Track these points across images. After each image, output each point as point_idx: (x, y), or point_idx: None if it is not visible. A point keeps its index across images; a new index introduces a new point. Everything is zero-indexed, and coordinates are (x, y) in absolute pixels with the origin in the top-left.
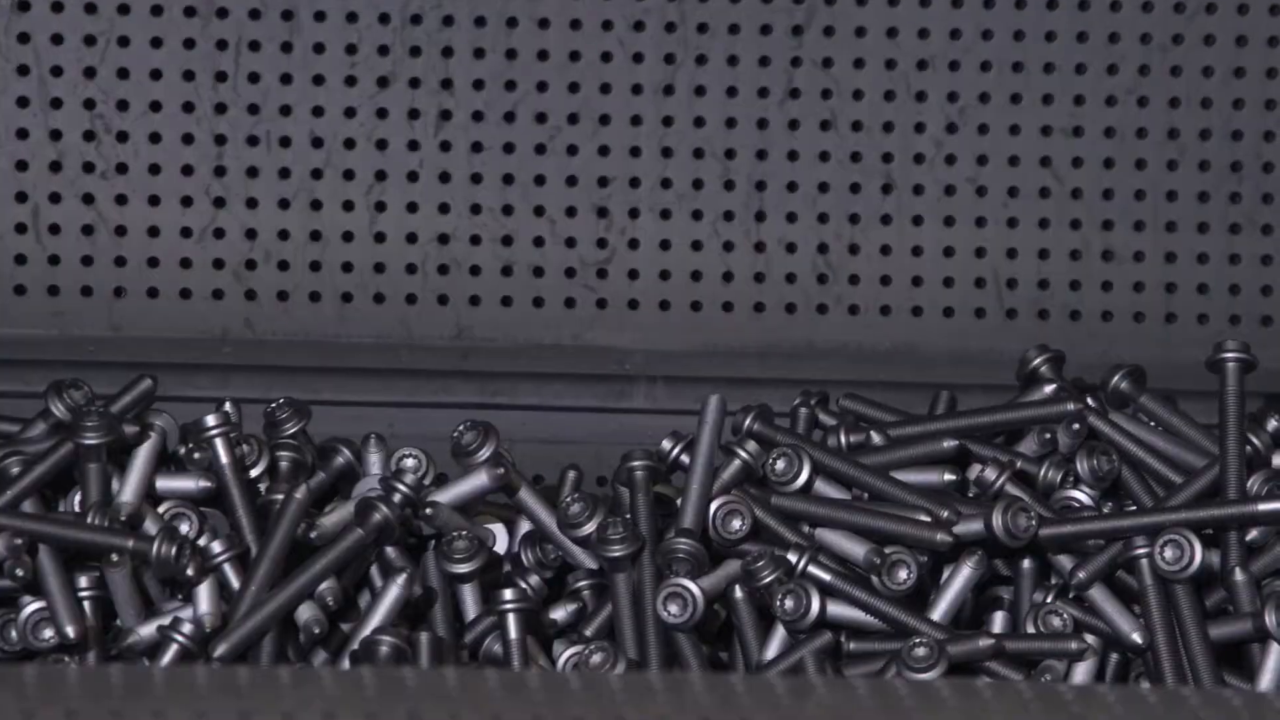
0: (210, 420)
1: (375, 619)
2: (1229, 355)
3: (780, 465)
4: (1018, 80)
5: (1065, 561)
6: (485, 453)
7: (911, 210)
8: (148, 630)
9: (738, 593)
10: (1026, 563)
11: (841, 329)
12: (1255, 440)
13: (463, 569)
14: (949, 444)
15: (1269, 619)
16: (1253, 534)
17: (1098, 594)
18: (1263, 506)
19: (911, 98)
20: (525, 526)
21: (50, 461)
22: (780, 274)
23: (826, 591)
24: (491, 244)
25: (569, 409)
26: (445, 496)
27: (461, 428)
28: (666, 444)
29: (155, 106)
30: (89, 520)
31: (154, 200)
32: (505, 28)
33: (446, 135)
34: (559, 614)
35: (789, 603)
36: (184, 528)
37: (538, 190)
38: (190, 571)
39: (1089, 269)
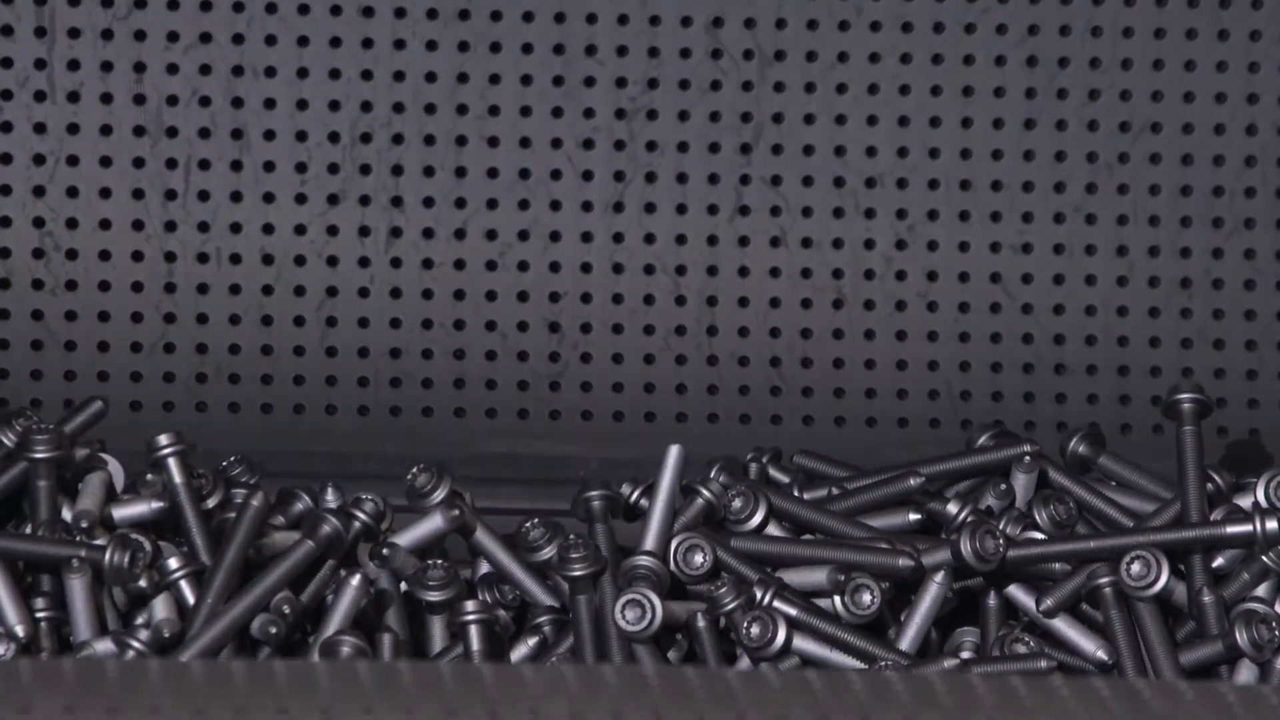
0: (163, 440)
1: (335, 621)
2: (1183, 397)
3: (737, 504)
4: (966, 198)
5: (1028, 601)
6: (440, 494)
7: (863, 325)
8: (103, 644)
9: (700, 621)
10: (991, 600)
11: (796, 439)
12: (1216, 478)
13: (436, 597)
14: (915, 480)
15: (1239, 636)
16: (1219, 561)
17: (1061, 622)
18: (1230, 529)
19: (860, 214)
20: (484, 568)
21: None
22: (734, 386)
23: (792, 624)
24: (444, 358)
25: (522, 511)
26: (403, 540)
27: (415, 470)
28: (626, 488)
29: (105, 224)
30: (40, 534)
31: (104, 316)
32: (455, 145)
33: (397, 252)
34: (520, 650)
35: (754, 629)
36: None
37: (489, 305)
38: (143, 583)
39: (1042, 381)
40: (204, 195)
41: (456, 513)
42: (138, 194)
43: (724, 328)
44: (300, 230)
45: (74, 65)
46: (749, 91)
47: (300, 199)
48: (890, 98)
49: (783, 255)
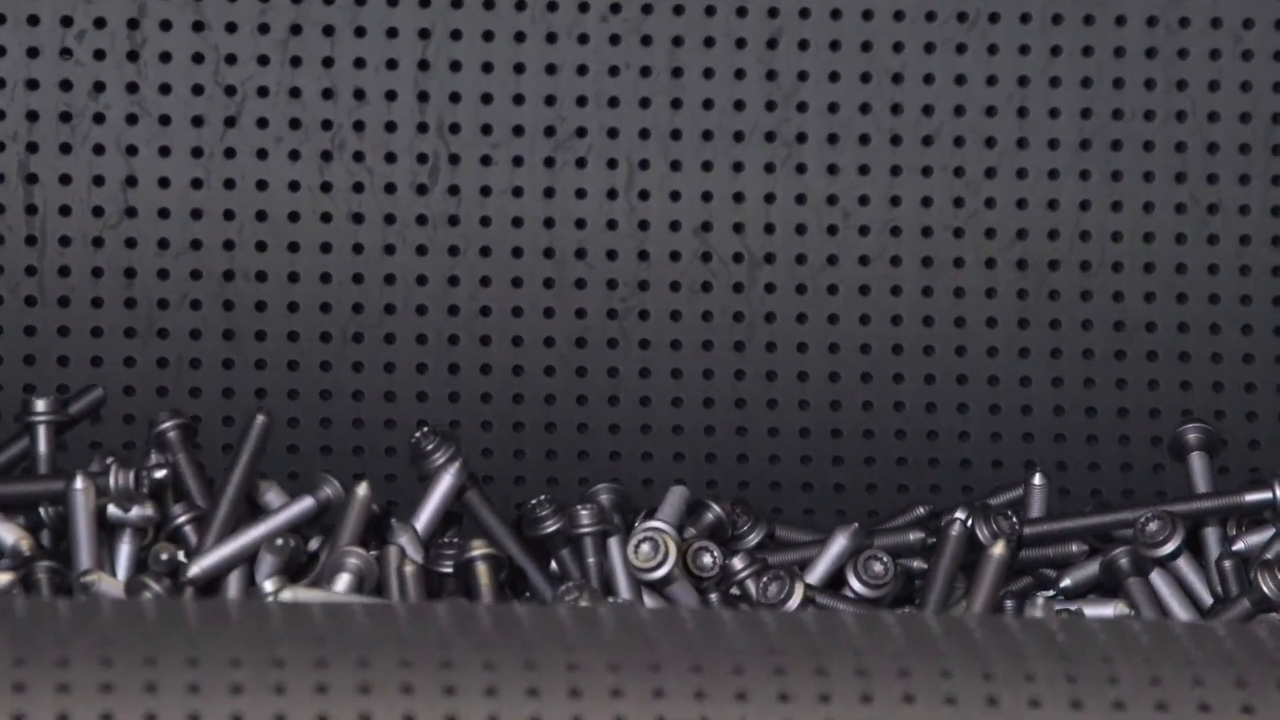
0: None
1: (345, 536)
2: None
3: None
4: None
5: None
6: (442, 455)
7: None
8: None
9: (713, 597)
10: None
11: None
12: None
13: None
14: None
15: (1265, 586)
16: (1239, 545)
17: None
18: (1249, 497)
19: None
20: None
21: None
22: None
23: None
24: None
25: None
26: (424, 519)
27: (418, 435)
28: None
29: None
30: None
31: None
32: None
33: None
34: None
35: (772, 588)
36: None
37: None
38: (149, 510)
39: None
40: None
41: (459, 467)
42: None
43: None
44: None
45: None
46: None
47: None
48: None
49: None
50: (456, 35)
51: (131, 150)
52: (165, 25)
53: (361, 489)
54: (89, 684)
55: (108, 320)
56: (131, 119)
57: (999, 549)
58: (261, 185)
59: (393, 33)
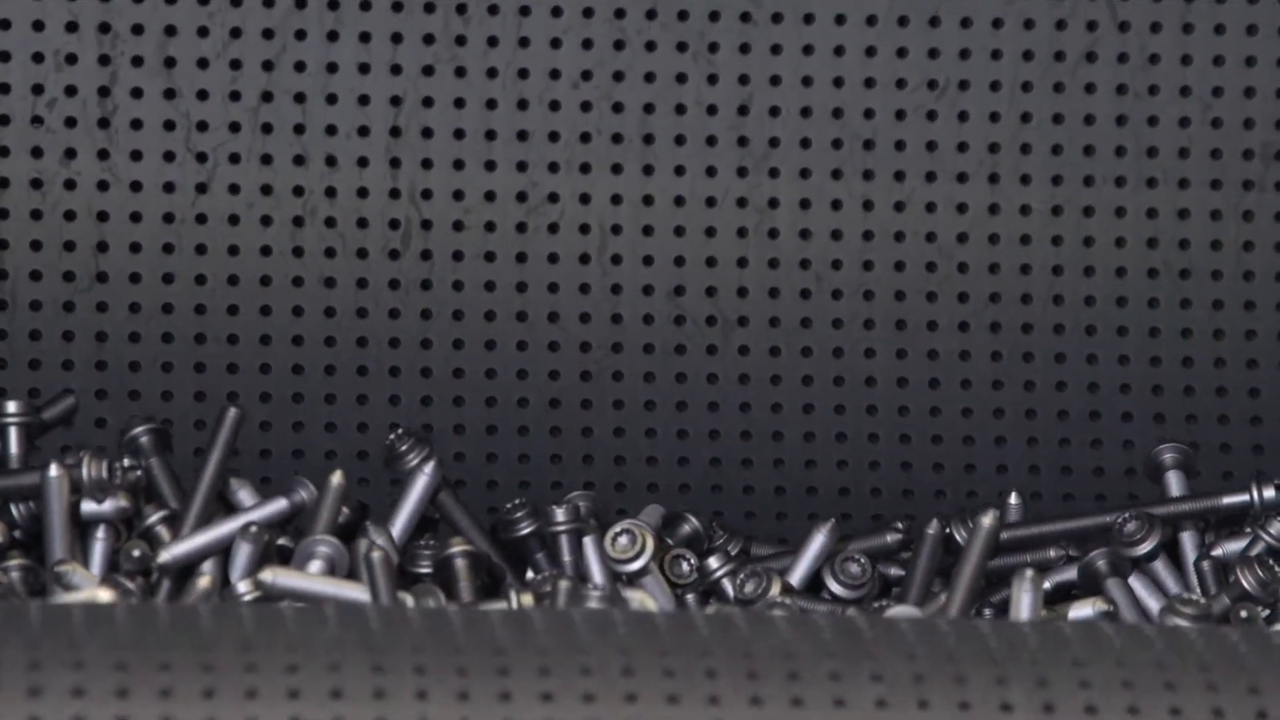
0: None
1: (319, 525)
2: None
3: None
4: None
5: None
6: (416, 456)
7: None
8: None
9: (689, 599)
10: None
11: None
12: None
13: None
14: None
15: (1244, 581)
16: (1216, 551)
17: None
18: (1226, 499)
19: None
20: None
21: None
22: None
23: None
24: None
25: None
26: (400, 520)
27: (393, 438)
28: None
29: None
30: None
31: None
32: None
33: None
34: None
35: (749, 585)
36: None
37: None
38: (123, 501)
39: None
40: None
41: (434, 463)
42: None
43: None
44: None
45: None
46: None
47: None
48: None
49: None
50: (428, 102)
51: (103, 216)
52: (136, 93)
53: (335, 477)
54: (61, 687)
55: (78, 381)
56: (103, 185)
57: (989, 518)
58: (233, 250)
59: (364, 100)
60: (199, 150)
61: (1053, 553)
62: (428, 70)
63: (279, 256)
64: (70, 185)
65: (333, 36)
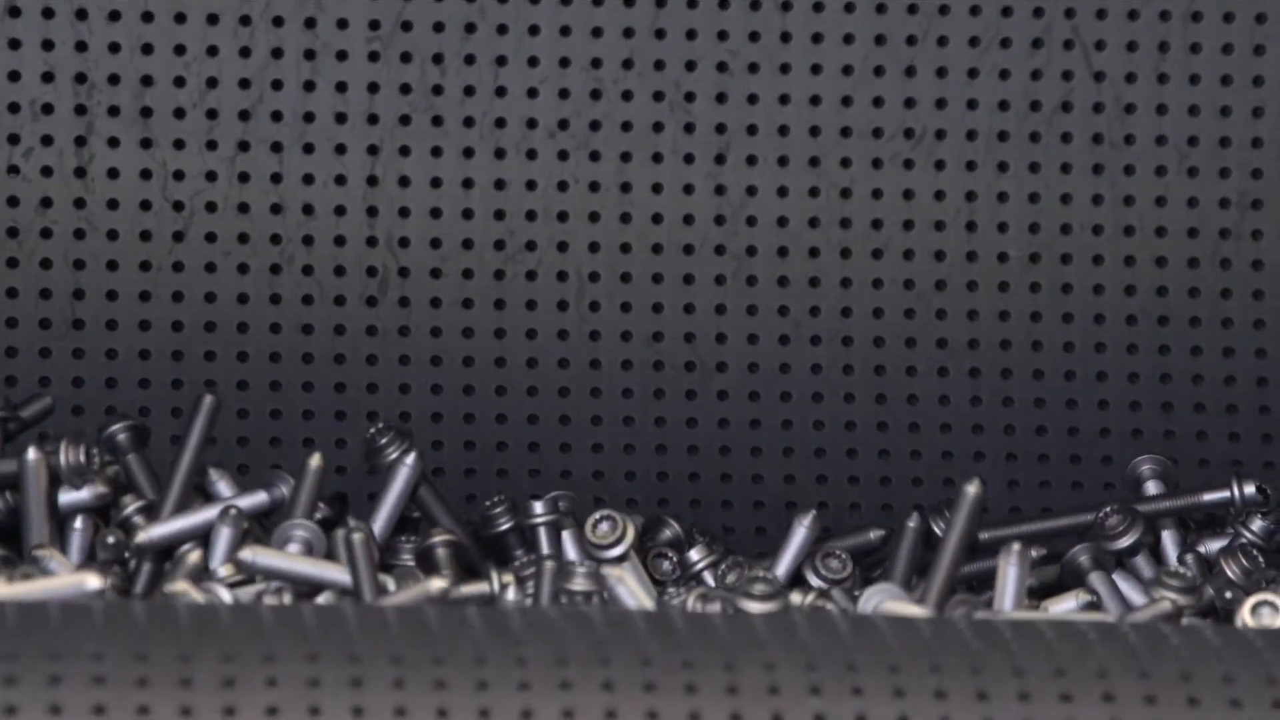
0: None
1: (298, 508)
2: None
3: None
4: None
5: None
6: (396, 449)
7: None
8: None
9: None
10: None
11: None
12: None
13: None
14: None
15: (1229, 570)
16: (1199, 549)
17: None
18: (1207, 496)
19: None
20: None
21: None
22: None
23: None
24: None
25: None
26: (383, 514)
27: (373, 431)
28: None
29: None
30: None
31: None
32: None
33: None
34: None
35: (730, 576)
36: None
37: None
38: (102, 488)
39: None
40: None
41: (415, 458)
42: None
43: None
44: None
45: None
46: None
47: None
48: None
49: None
50: (405, 151)
51: (79, 264)
52: (113, 142)
53: (314, 460)
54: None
55: (52, 428)
56: (79, 234)
57: (974, 487)
58: (209, 298)
59: (341, 149)
60: (175, 199)
61: (1034, 553)
62: (404, 120)
63: (256, 303)
64: (46, 234)
65: (309, 86)
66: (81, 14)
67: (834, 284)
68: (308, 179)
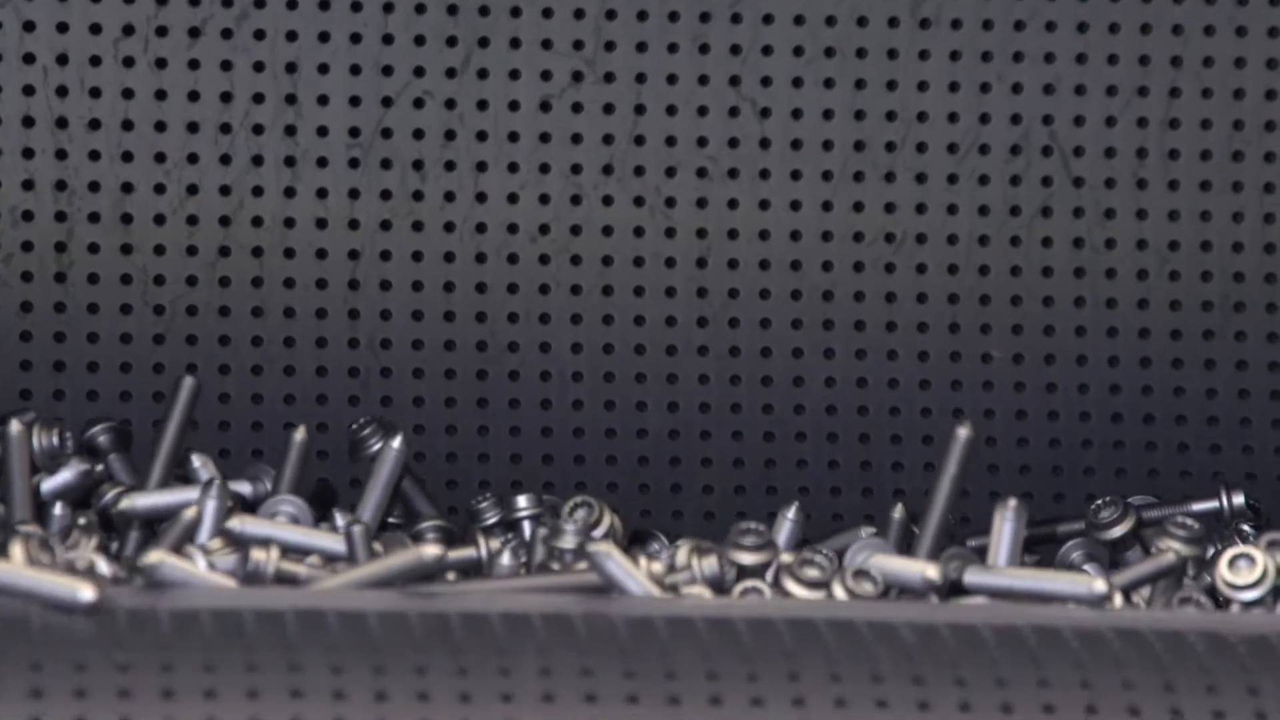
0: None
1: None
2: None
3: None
4: None
5: None
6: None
7: None
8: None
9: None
10: None
11: None
12: None
13: None
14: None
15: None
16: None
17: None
18: (1196, 506)
19: None
20: None
21: None
22: None
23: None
24: None
25: None
26: (371, 503)
27: (356, 425)
28: None
29: None
30: None
31: None
32: None
33: None
34: None
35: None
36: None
37: None
38: (80, 464)
39: None
40: None
41: (401, 440)
42: None
43: None
44: None
45: None
46: None
47: None
48: None
49: None
50: (386, 255)
51: (59, 366)
52: (93, 248)
53: (299, 434)
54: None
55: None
56: (59, 336)
57: (965, 429)
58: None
59: (322, 254)
60: (156, 303)
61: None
62: (385, 225)
63: (236, 402)
64: (26, 337)
65: (290, 192)
66: (62, 122)
67: (818, 384)
68: (289, 283)
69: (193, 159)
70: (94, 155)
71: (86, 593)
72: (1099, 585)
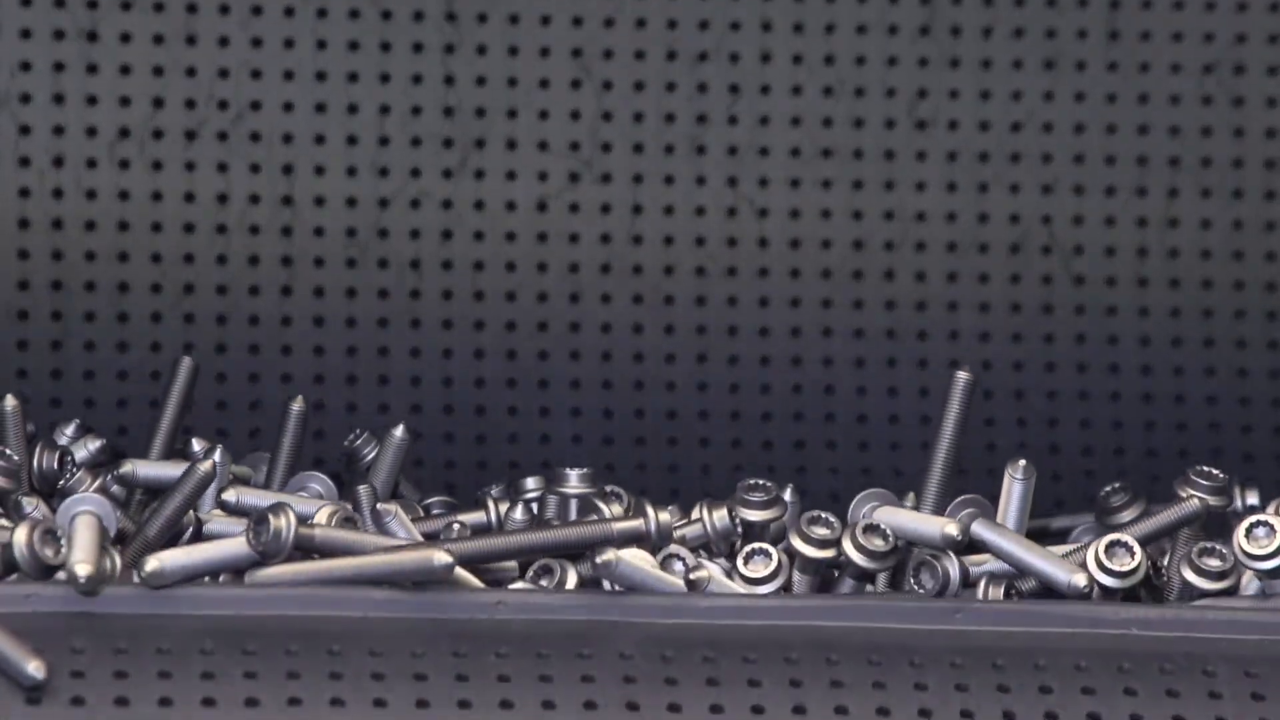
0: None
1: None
2: None
3: None
4: None
5: None
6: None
7: None
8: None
9: None
10: None
11: None
12: None
13: None
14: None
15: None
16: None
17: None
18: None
19: None
20: None
21: None
22: None
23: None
24: None
25: None
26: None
27: (351, 436)
28: None
29: None
30: None
31: None
32: None
33: None
34: None
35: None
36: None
37: None
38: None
39: None
40: None
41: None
42: None
43: None
44: None
45: None
46: None
47: None
48: None
49: None
50: (383, 352)
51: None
52: (89, 346)
53: (296, 404)
54: None
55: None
56: (55, 401)
57: (965, 371)
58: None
59: (319, 350)
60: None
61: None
62: (382, 322)
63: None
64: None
65: (287, 291)
66: (57, 224)
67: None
68: (285, 350)
69: (189, 259)
70: (90, 256)
71: (39, 671)
72: (1079, 579)
